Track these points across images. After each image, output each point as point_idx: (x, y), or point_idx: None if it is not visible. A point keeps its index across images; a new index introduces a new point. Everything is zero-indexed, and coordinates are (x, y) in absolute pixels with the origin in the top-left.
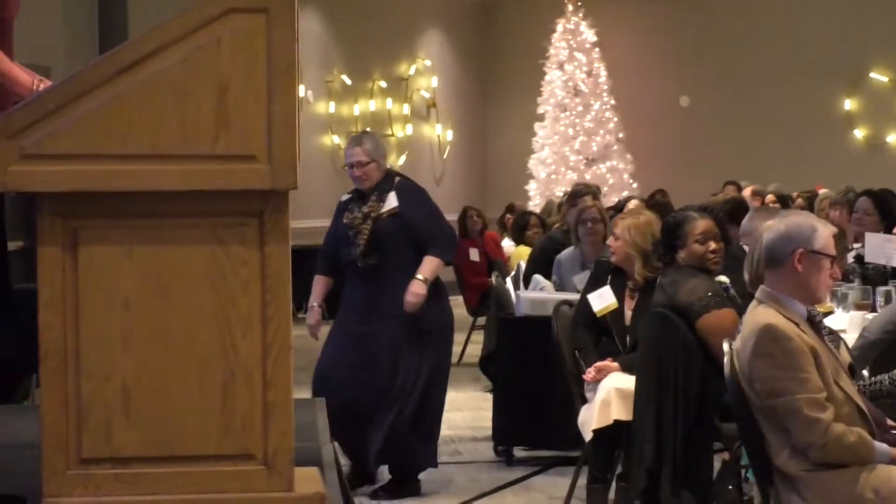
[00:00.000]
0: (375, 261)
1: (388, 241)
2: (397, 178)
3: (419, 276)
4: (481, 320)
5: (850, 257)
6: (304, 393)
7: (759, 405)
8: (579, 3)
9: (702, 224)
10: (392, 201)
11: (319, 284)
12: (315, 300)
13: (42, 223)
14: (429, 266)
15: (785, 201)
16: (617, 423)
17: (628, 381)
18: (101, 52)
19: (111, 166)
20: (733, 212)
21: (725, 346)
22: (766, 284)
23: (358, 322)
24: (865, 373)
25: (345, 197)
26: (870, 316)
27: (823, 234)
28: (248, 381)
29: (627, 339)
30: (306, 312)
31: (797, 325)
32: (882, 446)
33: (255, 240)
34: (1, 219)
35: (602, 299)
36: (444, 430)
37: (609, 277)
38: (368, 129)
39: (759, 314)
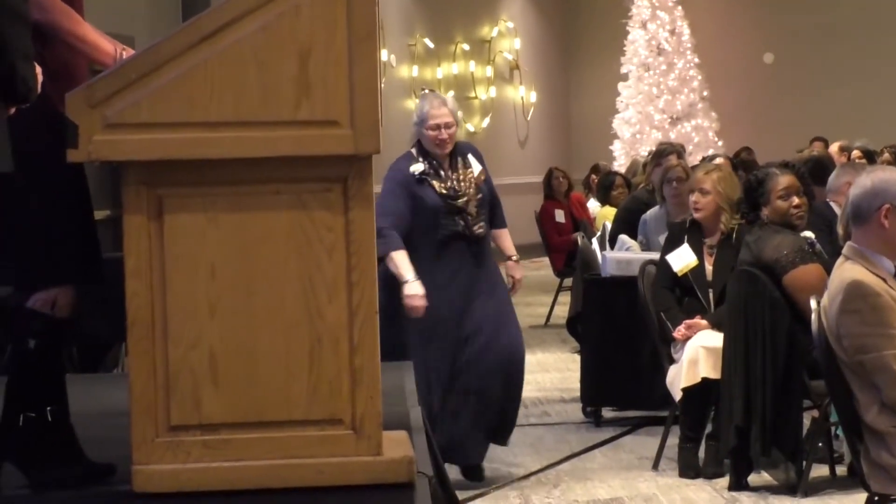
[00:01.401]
0: (484, 230)
1: (487, 208)
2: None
3: (516, 257)
4: (568, 282)
5: None
6: None
7: (847, 362)
8: None
9: (784, 180)
10: (476, 164)
11: (407, 257)
12: (412, 273)
13: (126, 192)
14: (511, 243)
15: (871, 157)
16: (706, 381)
17: (716, 340)
18: (184, 20)
19: (194, 134)
20: (815, 169)
21: (813, 304)
22: (853, 240)
23: (460, 298)
24: None
25: (417, 168)
26: None
27: None
28: (335, 345)
29: (711, 295)
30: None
31: (884, 280)
32: None
33: (339, 205)
34: (86, 190)
35: (682, 258)
36: (533, 392)
37: (685, 237)
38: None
39: (847, 270)
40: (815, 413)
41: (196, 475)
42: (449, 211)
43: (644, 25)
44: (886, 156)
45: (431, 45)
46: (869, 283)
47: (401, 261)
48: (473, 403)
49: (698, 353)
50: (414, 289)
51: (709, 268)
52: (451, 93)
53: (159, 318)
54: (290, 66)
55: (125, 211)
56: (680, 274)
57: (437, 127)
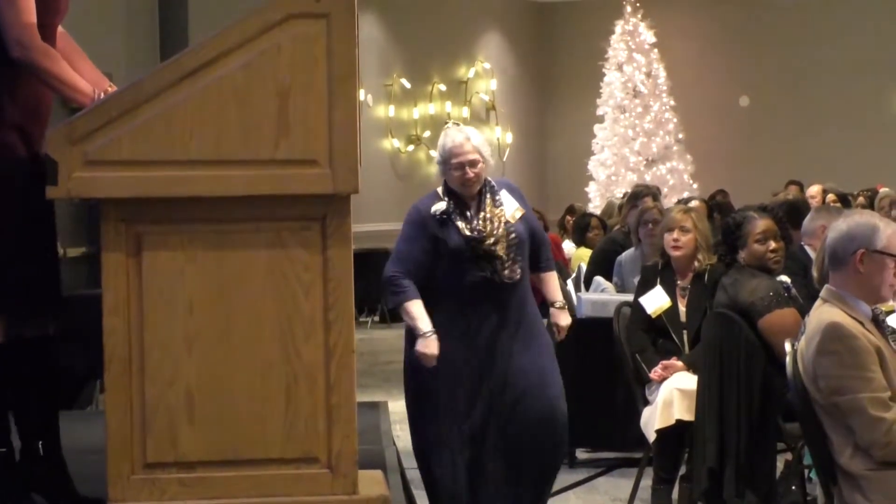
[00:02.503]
0: (518, 274)
1: (524, 249)
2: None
3: (561, 304)
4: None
5: None
6: (368, 396)
7: (822, 403)
8: (637, 5)
9: (762, 224)
10: (511, 201)
11: (423, 308)
12: (429, 325)
13: (105, 229)
14: (558, 288)
15: (846, 200)
16: (680, 423)
17: (690, 381)
18: (162, 58)
19: (174, 172)
20: (790, 213)
21: (787, 346)
22: (831, 284)
23: (485, 350)
24: None
25: (439, 207)
26: None
27: (886, 233)
28: (312, 384)
29: (685, 336)
30: (368, 315)
31: (862, 324)
32: None
33: (317, 244)
34: (52, 225)
35: (655, 300)
36: None
37: (658, 279)
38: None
39: (825, 313)
40: (789, 455)
41: None
42: (475, 256)
43: (620, 68)
44: (861, 199)
45: (408, 86)
46: (847, 325)
47: (416, 312)
48: (501, 469)
49: (673, 395)
50: (427, 345)
51: (682, 309)
52: (474, 130)
53: (137, 355)
54: (269, 104)
55: (104, 248)
56: (654, 316)
57: (462, 166)
